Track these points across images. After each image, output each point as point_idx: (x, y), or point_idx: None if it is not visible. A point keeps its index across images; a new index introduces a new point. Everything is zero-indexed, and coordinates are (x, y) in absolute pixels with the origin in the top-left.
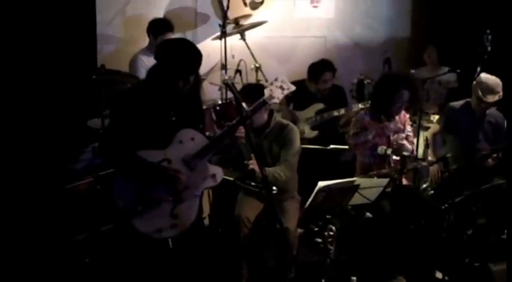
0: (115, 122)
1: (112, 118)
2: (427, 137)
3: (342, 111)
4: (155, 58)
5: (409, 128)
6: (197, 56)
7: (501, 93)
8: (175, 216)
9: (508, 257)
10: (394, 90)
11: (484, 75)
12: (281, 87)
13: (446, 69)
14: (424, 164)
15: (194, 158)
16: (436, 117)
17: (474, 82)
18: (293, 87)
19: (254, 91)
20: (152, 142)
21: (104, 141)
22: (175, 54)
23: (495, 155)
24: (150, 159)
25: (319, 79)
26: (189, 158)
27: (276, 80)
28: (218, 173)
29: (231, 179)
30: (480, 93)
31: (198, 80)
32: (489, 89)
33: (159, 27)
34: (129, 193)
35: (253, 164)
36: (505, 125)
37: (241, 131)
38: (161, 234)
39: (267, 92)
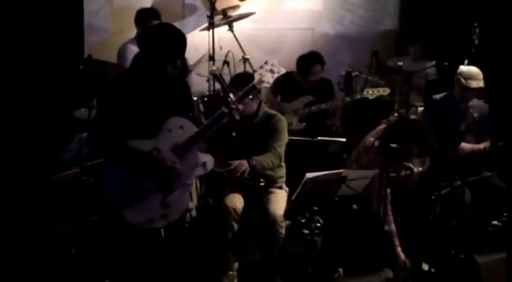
0: (103, 111)
1: (100, 107)
2: None
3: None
4: (139, 46)
5: None
6: (182, 38)
7: (483, 82)
8: (166, 206)
9: (508, 253)
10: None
11: (463, 66)
12: (271, 71)
13: (428, 62)
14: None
15: (183, 146)
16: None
17: (456, 74)
18: (283, 70)
19: (244, 80)
20: (141, 131)
21: (93, 131)
22: (161, 38)
23: (482, 147)
24: (139, 149)
25: (308, 72)
26: (179, 147)
27: (266, 63)
28: (208, 161)
29: (219, 170)
30: (463, 80)
31: (185, 67)
32: (471, 76)
33: (145, 16)
34: (118, 184)
35: (239, 166)
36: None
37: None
38: (152, 225)
39: (256, 76)
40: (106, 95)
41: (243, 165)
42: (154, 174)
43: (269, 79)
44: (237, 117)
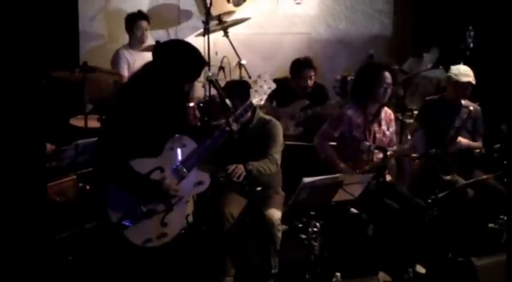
0: (112, 132)
1: (109, 126)
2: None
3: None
4: (158, 62)
5: (392, 129)
6: (203, 57)
7: (473, 78)
8: (165, 225)
9: (508, 254)
10: (375, 73)
11: (453, 66)
12: (264, 87)
13: (437, 69)
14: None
15: (185, 166)
16: None
17: (447, 74)
18: (274, 86)
19: (238, 87)
20: (145, 149)
21: (98, 154)
22: (187, 58)
23: (478, 150)
24: (143, 168)
25: (299, 75)
26: (180, 166)
27: (259, 76)
28: (205, 179)
29: (215, 175)
30: (453, 76)
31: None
32: (460, 72)
33: (131, 19)
34: (121, 206)
35: (235, 170)
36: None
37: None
38: (151, 244)
39: (252, 93)
40: (116, 112)
41: (240, 169)
42: (158, 200)
43: (263, 96)
44: (235, 136)
